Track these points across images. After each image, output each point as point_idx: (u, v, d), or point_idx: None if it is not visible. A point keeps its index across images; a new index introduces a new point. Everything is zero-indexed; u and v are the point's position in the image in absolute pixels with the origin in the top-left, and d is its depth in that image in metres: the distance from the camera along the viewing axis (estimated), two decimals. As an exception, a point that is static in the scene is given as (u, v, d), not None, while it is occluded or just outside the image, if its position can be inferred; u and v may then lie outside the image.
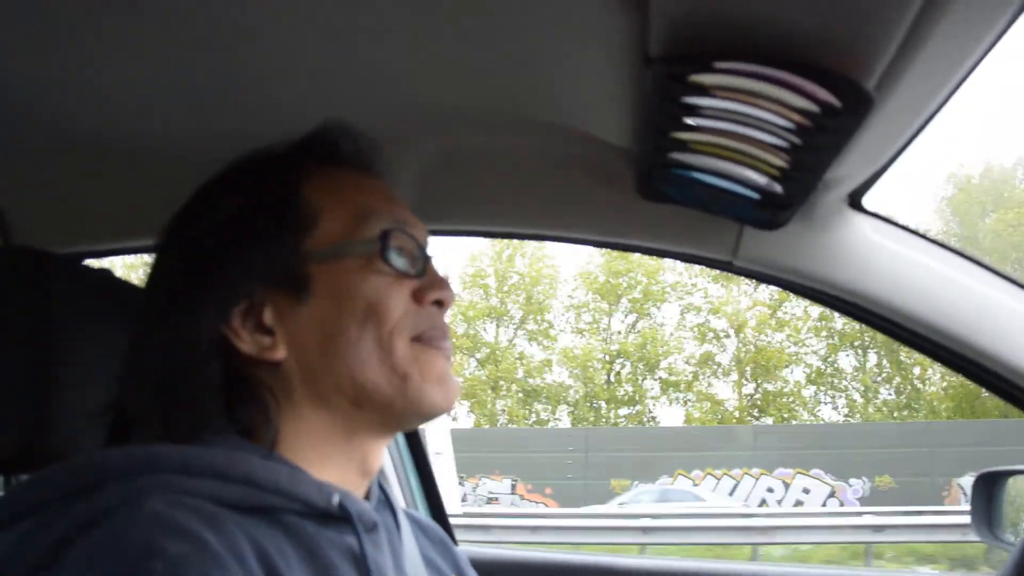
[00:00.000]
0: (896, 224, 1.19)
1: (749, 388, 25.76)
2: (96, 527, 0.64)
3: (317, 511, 0.74)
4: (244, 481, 0.71)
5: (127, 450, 0.71)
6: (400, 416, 0.81)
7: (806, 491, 18.11)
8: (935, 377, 24.12)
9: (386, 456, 1.82)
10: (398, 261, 0.80)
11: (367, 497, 0.84)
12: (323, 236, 0.80)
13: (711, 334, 25.99)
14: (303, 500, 0.73)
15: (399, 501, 1.79)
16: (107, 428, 0.80)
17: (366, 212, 0.81)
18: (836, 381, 25.47)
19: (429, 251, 0.85)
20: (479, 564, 1.08)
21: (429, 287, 0.82)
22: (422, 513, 1.84)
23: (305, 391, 0.78)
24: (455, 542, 1.10)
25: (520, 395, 26.56)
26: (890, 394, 25.15)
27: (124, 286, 1.00)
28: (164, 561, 0.61)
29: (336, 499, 0.75)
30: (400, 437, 1.87)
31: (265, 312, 0.78)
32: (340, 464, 0.80)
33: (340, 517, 0.75)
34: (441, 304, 0.83)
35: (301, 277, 0.78)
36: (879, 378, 25.17)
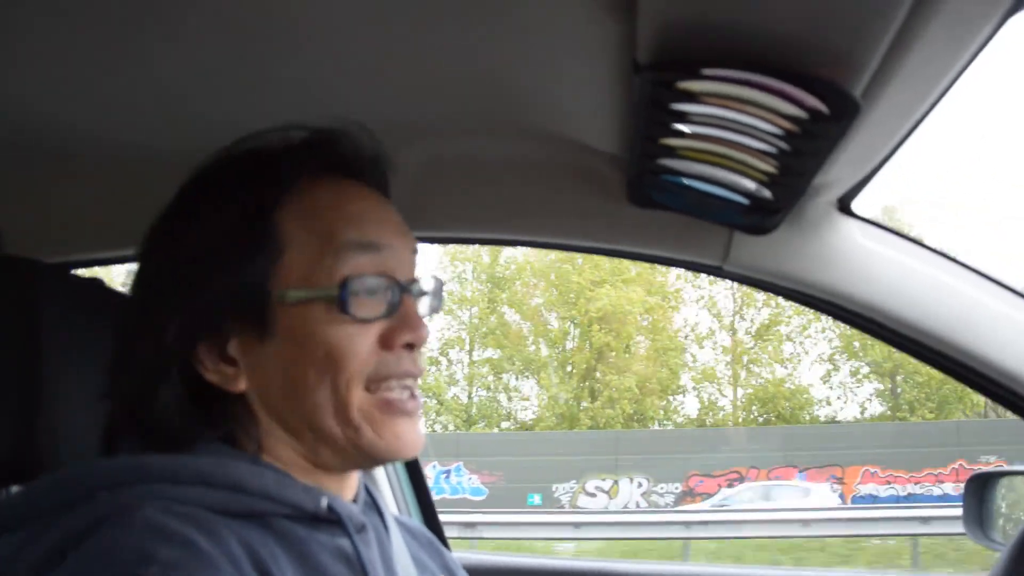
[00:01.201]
0: (885, 228, 1.19)
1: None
2: (89, 537, 0.64)
3: (306, 514, 0.74)
4: (233, 487, 0.71)
5: (116, 461, 0.72)
6: (355, 460, 0.80)
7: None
8: None
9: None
10: (361, 309, 0.75)
11: (354, 500, 0.84)
12: (290, 269, 0.76)
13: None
14: (292, 504, 0.74)
15: (392, 507, 1.79)
16: (99, 437, 0.80)
17: (336, 244, 0.76)
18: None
19: (414, 276, 0.82)
20: (473, 570, 1.08)
21: (399, 329, 0.77)
22: (415, 517, 1.84)
23: (270, 420, 0.78)
24: (447, 547, 1.09)
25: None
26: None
27: (113, 295, 0.99)
28: (157, 566, 0.61)
29: (325, 502, 0.75)
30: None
31: (230, 343, 0.76)
32: (321, 476, 0.80)
33: (329, 519, 0.76)
34: (411, 346, 0.79)
35: (265, 315, 0.76)
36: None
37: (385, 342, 0.77)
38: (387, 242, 0.80)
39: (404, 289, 0.79)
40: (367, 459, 0.80)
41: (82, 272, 1.33)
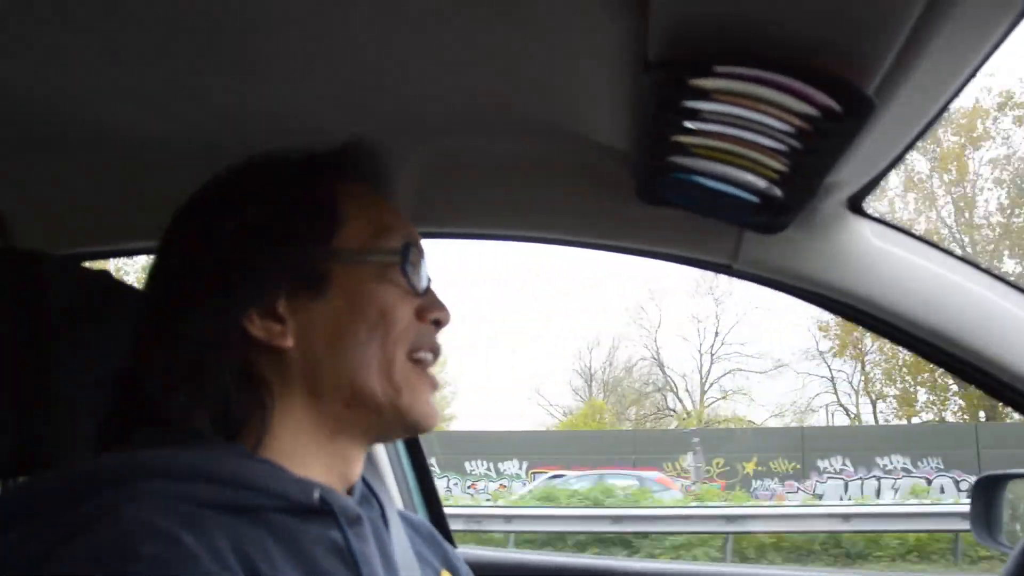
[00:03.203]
0: (896, 228, 1.19)
1: None
2: (78, 536, 0.65)
3: (299, 507, 0.75)
4: (227, 481, 0.72)
5: (110, 458, 0.72)
6: (387, 424, 0.84)
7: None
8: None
9: (384, 460, 1.82)
10: (412, 276, 0.84)
11: (350, 492, 0.85)
12: (348, 239, 0.83)
13: None
14: (284, 496, 0.74)
15: (397, 503, 1.79)
16: (98, 431, 0.80)
17: (386, 226, 0.85)
18: None
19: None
20: (476, 566, 1.08)
21: (431, 306, 0.86)
22: (422, 515, 1.84)
23: (303, 384, 0.80)
24: (453, 544, 1.10)
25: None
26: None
27: (122, 288, 0.99)
28: (141, 562, 0.63)
29: (317, 494, 0.76)
30: (399, 441, 1.87)
31: (279, 302, 0.80)
32: (322, 467, 0.81)
33: (323, 512, 0.76)
34: (438, 323, 0.87)
35: (322, 275, 0.81)
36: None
37: (419, 314, 0.85)
38: (417, 239, 0.89)
39: (430, 279, 0.88)
40: (398, 423, 0.84)
41: (91, 264, 1.34)
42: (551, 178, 1.26)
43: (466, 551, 1.83)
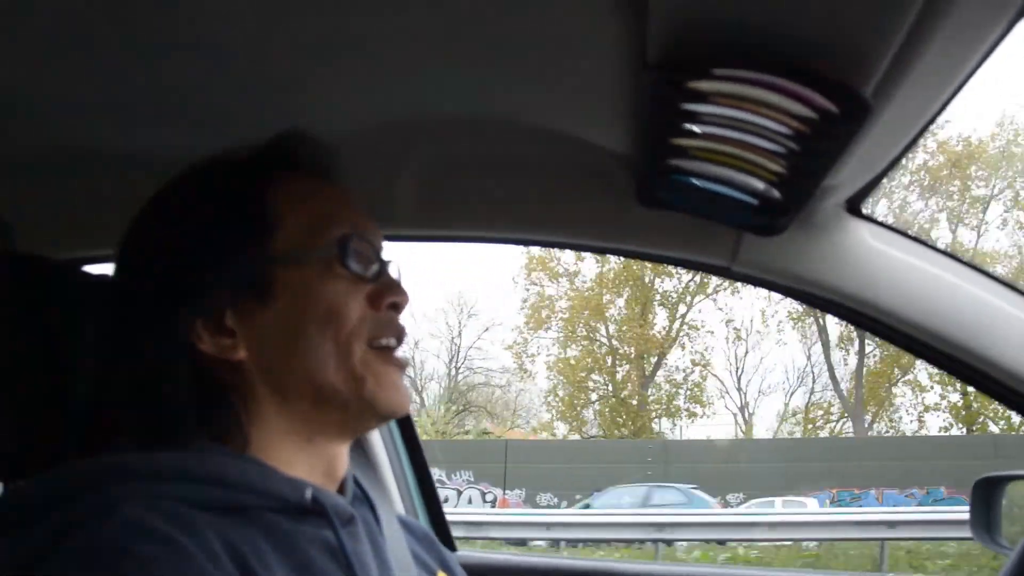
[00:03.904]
0: (894, 229, 1.19)
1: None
2: (70, 537, 0.65)
3: (291, 506, 0.75)
4: (216, 482, 0.72)
5: (99, 460, 0.72)
6: (357, 417, 0.83)
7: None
8: None
9: (384, 461, 1.82)
10: (355, 266, 0.82)
11: (341, 491, 0.85)
12: (285, 240, 0.81)
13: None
14: (276, 496, 0.74)
15: (398, 506, 1.79)
16: (84, 435, 0.81)
17: (325, 218, 0.83)
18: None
19: (385, 256, 0.87)
20: (473, 568, 1.08)
21: (385, 291, 0.83)
22: (422, 517, 1.84)
23: (266, 391, 0.80)
24: (453, 547, 1.10)
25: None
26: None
27: None
28: (135, 562, 0.62)
29: (309, 493, 0.76)
30: (399, 441, 1.87)
31: (227, 315, 0.79)
32: (306, 466, 0.81)
33: (315, 511, 0.76)
34: (396, 307, 0.84)
35: (264, 281, 0.80)
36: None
37: (373, 302, 0.82)
38: (365, 224, 0.86)
39: (384, 261, 0.86)
40: (367, 414, 0.83)
41: (92, 269, 1.33)
42: (549, 180, 1.26)
43: (462, 553, 1.83)
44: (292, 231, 0.81)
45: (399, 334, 0.84)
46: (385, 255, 0.87)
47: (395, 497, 1.82)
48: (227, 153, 0.86)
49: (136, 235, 0.84)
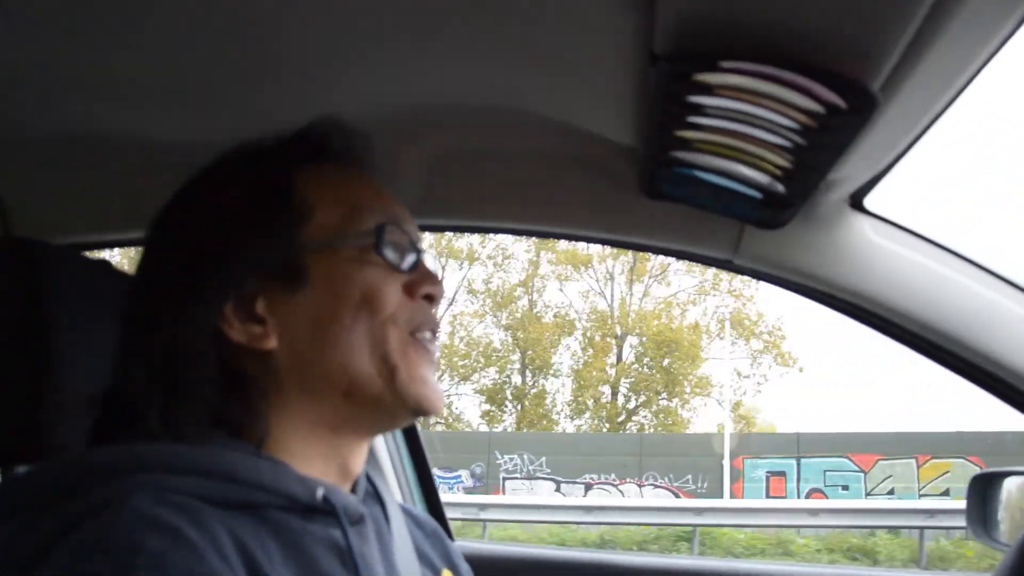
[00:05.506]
0: (897, 225, 1.19)
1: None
2: (80, 527, 0.64)
3: (301, 505, 0.74)
4: (227, 478, 0.71)
5: (111, 450, 0.71)
6: (389, 409, 0.81)
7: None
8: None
9: (384, 454, 1.82)
10: (391, 255, 0.81)
11: (353, 490, 0.84)
12: (318, 228, 0.80)
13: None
14: (286, 495, 0.73)
15: (396, 495, 1.79)
16: (94, 422, 0.80)
17: (359, 206, 0.82)
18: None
19: (421, 246, 0.86)
20: (475, 560, 1.08)
21: (420, 281, 0.82)
22: (420, 508, 1.84)
23: (295, 382, 0.78)
24: (451, 538, 1.10)
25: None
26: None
27: (122, 278, 0.99)
28: (145, 556, 0.62)
29: (321, 492, 0.75)
30: (399, 435, 1.87)
31: (257, 302, 0.78)
32: (323, 462, 0.80)
33: (325, 511, 0.75)
34: (431, 298, 0.83)
35: (296, 267, 0.78)
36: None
37: (409, 291, 0.81)
38: (399, 213, 0.85)
39: (420, 251, 0.85)
40: (400, 406, 0.80)
41: (91, 254, 1.33)
42: (553, 171, 1.26)
43: (464, 544, 1.84)
44: (326, 219, 0.80)
45: (434, 327, 0.83)
46: (421, 245, 0.86)
47: (393, 486, 1.83)
48: (259, 140, 0.85)
49: (166, 220, 0.82)
